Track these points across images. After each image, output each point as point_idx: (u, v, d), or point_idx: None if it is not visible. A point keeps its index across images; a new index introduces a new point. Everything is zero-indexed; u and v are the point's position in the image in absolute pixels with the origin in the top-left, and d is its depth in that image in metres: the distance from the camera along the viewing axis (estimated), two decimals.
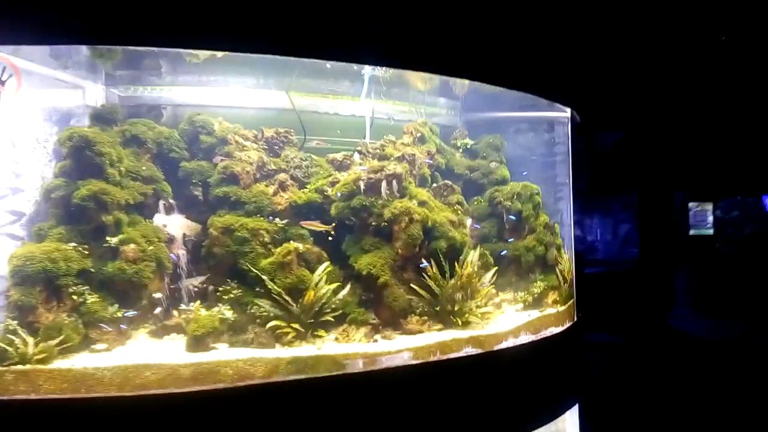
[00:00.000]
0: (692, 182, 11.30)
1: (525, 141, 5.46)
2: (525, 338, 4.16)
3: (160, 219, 3.97)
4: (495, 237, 4.72)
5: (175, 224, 3.99)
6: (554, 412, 4.71)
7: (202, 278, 3.95)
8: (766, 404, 6.53)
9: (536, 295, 4.63)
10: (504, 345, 3.95)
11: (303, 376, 3.12)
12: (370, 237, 3.82)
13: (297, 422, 3.03)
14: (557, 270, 4.91)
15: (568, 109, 5.01)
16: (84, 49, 3.87)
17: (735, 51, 8.05)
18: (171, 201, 4.03)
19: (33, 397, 2.81)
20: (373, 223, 3.80)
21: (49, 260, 3.06)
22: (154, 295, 3.41)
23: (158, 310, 3.41)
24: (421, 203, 3.96)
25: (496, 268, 4.27)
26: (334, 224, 3.92)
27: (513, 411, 4.05)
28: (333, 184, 3.93)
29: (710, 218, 11.98)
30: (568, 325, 4.78)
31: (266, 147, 4.17)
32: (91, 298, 3.19)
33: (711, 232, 11.97)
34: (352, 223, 3.96)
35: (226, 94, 4.45)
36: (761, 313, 9.51)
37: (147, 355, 3.14)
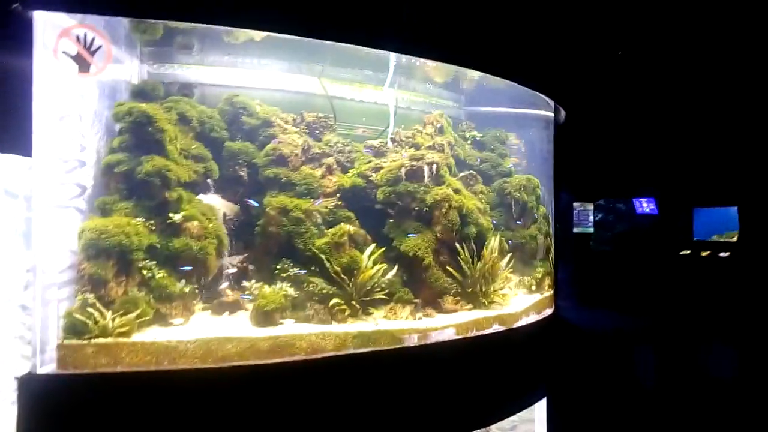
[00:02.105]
0: (576, 184, 12.39)
1: (522, 136, 5.84)
2: (534, 317, 4.58)
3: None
4: (503, 225, 5.06)
5: (215, 204, 4.02)
6: (544, 386, 5.19)
7: (240, 257, 4.02)
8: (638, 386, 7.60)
9: (538, 280, 5.05)
10: (520, 323, 4.34)
11: (369, 349, 3.33)
12: (411, 221, 4.04)
13: (364, 390, 3.25)
14: (549, 257, 5.38)
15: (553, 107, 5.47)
16: (125, 23, 3.79)
17: (627, 62, 8.97)
18: (209, 181, 4.04)
19: (118, 369, 2.83)
20: (416, 208, 4.03)
21: (123, 234, 3.04)
22: (226, 270, 3.46)
23: (225, 285, 3.47)
24: (456, 191, 4.22)
25: (511, 253, 4.63)
26: (338, 194, 4.09)
27: (523, 380, 4.49)
28: (375, 169, 4.10)
29: (591, 218, 13.20)
30: (554, 307, 5.28)
31: (307, 131, 4.26)
32: (159, 273, 3.21)
33: (592, 230, 13.22)
34: (385, 207, 4.15)
35: (256, 77, 4.46)
36: (629, 305, 10.82)
37: (216, 328, 3.22)
